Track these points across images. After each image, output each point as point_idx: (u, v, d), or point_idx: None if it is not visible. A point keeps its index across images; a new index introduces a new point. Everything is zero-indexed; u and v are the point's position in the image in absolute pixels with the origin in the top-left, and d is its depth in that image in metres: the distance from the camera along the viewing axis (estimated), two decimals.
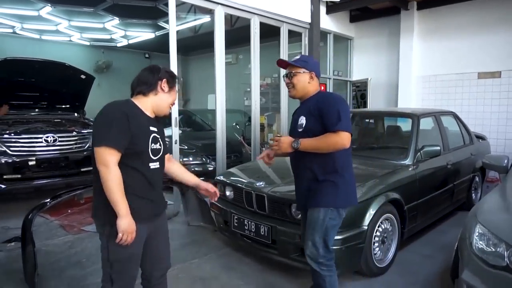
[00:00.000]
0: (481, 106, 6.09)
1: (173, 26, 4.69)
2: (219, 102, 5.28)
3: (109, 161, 1.67)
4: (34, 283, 2.77)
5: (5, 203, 5.01)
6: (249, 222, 3.07)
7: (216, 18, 5.22)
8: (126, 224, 1.70)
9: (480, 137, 5.25)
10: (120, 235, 1.70)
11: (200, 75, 11.69)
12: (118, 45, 10.48)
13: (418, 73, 6.80)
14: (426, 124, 4.22)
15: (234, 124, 8.47)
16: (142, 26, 8.71)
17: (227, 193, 3.48)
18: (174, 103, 2.00)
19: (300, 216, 2.79)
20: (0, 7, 7.14)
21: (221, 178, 3.62)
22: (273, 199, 2.97)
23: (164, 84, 1.89)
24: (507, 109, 5.90)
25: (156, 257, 2.01)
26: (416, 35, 6.78)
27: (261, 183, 3.16)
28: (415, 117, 3.89)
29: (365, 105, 7.52)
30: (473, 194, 4.75)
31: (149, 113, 1.91)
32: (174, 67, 4.63)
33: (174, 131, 4.73)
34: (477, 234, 2.20)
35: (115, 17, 7.72)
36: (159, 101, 1.91)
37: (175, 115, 4.70)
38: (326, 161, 2.22)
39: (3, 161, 4.49)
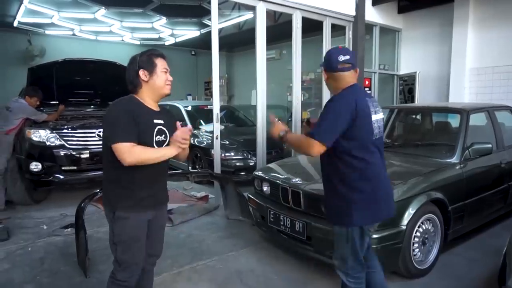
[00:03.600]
0: None
1: (215, 24, 4.80)
2: (260, 97, 5.33)
3: (128, 148, 1.80)
4: (85, 267, 3.02)
5: (64, 192, 5.47)
6: (285, 218, 3.10)
7: (257, 15, 5.26)
8: (173, 151, 1.91)
9: None
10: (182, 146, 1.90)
11: (244, 71, 11.82)
12: (166, 43, 10.91)
13: (472, 65, 6.35)
14: (478, 120, 3.96)
15: (276, 119, 8.46)
16: (188, 24, 8.99)
17: (265, 188, 3.52)
18: (168, 80, 2.00)
19: None
20: (62, 11, 7.73)
21: (259, 173, 3.68)
22: (308, 195, 2.96)
23: (143, 74, 1.93)
24: None
25: (149, 244, 2.11)
26: (471, 24, 6.32)
27: (297, 179, 3.16)
28: (464, 112, 3.67)
29: (413, 100, 7.18)
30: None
31: (151, 105, 1.99)
32: (216, 63, 4.75)
33: (215, 127, 4.85)
34: None
35: (162, 17, 8.05)
36: (149, 90, 1.96)
37: (216, 111, 4.82)
38: (343, 171, 2.00)
39: (62, 154, 4.88)
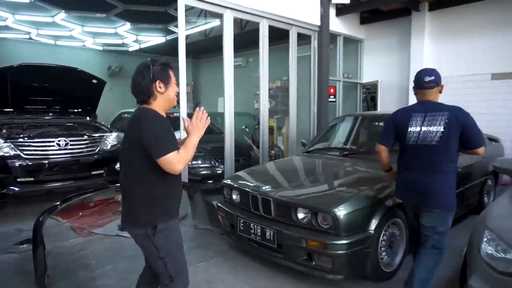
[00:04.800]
0: (495, 108, 5.96)
1: (182, 30, 4.74)
2: (227, 105, 5.31)
3: (176, 156, 1.76)
4: (44, 285, 2.83)
5: (19, 205, 5.13)
6: (255, 226, 3.07)
7: (225, 22, 5.26)
8: (201, 132, 1.90)
9: (493, 140, 5.13)
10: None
11: (210, 78, 11.77)
12: (130, 49, 10.67)
13: None
14: None
15: (243, 127, 8.48)
16: (153, 30, 8.84)
17: (234, 196, 3.49)
18: (178, 91, 2.00)
19: (306, 220, 2.80)
20: (17, 14, 7.34)
21: (228, 181, 3.64)
22: (279, 203, 2.96)
23: (159, 86, 1.87)
24: None
25: None
26: (427, 36, 6.69)
27: (267, 187, 3.16)
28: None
29: (375, 108, 7.45)
30: (485, 198, 4.65)
31: (163, 114, 1.94)
32: (183, 70, 4.69)
33: (182, 135, 4.76)
34: (485, 239, 2.16)
35: (126, 22, 7.86)
36: (163, 102, 1.91)
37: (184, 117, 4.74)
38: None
39: (17, 165, 4.60)
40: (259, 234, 3.05)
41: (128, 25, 8.10)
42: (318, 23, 6.53)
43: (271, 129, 8.21)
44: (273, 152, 7.82)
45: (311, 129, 6.88)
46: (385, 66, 7.45)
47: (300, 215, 2.83)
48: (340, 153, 4.21)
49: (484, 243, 2.15)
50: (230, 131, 5.34)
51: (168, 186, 1.90)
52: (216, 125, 8.20)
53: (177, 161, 1.76)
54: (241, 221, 3.23)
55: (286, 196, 2.99)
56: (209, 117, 1.94)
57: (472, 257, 2.24)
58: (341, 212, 2.64)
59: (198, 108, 1.92)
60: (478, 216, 2.53)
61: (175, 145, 1.79)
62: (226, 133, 5.34)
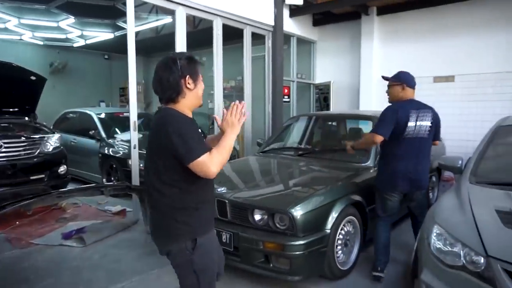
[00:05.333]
0: (437, 109, 6.28)
1: (131, 26, 4.50)
2: None
3: (209, 158, 1.59)
4: None
5: None
6: None
7: (177, 19, 5.08)
8: (237, 129, 1.72)
9: None
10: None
11: None
12: (75, 45, 10.00)
13: (378, 76, 6.94)
14: None
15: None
16: (100, 25, 8.35)
17: None
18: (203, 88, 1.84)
19: (263, 221, 2.74)
20: None
21: None
22: (234, 204, 2.88)
23: (188, 82, 1.70)
24: (461, 112, 6.17)
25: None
26: (376, 39, 6.95)
27: (222, 189, 3.06)
28: (374, 119, 3.94)
29: (328, 108, 7.62)
30: (430, 193, 4.91)
31: (189, 115, 1.77)
32: (132, 69, 4.46)
33: (133, 136, 4.53)
34: (434, 234, 2.23)
35: (70, 16, 7.34)
36: (191, 100, 1.74)
37: (133, 118, 4.50)
38: None
39: None
40: None
41: (71, 19, 7.56)
42: (272, 23, 6.54)
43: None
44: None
45: (266, 129, 6.88)
46: (337, 67, 7.64)
47: (257, 217, 2.77)
48: (295, 153, 4.22)
49: (433, 237, 2.22)
50: None
51: (202, 192, 1.73)
52: None
53: (210, 163, 1.57)
54: None
55: (242, 197, 2.92)
56: (246, 113, 1.77)
57: (422, 251, 2.30)
58: (298, 212, 2.61)
59: (233, 102, 1.76)
60: (427, 211, 2.62)
61: (206, 147, 1.62)
62: None
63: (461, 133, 6.15)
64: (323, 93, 7.79)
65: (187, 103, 1.73)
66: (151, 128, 1.76)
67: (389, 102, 3.11)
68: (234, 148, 7.98)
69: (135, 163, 4.60)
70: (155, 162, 1.68)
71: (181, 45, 5.08)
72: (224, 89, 9.44)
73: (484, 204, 2.34)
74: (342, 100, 7.51)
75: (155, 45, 9.79)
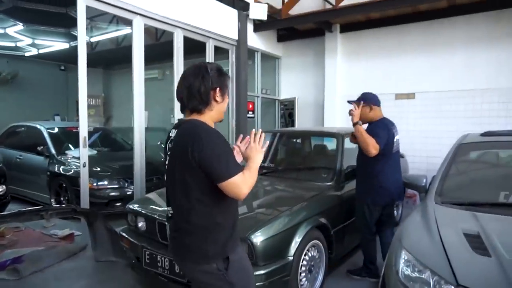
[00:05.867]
0: (399, 125, 6.35)
1: (82, 35, 4.20)
2: (137, 119, 4.83)
3: (242, 177, 1.53)
4: None
5: None
6: (163, 259, 2.67)
7: (134, 30, 4.82)
8: (260, 155, 1.69)
9: (400, 156, 5.44)
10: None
11: (124, 91, 10.95)
12: (26, 54, 9.39)
13: (342, 93, 7.00)
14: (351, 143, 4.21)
15: (158, 143, 7.95)
16: (54, 34, 7.88)
17: (139, 224, 3.04)
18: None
19: None
20: None
21: (133, 206, 3.17)
22: None
23: (218, 94, 1.63)
24: (421, 128, 6.27)
25: None
26: (339, 56, 7.00)
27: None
28: (339, 136, 3.85)
29: (293, 124, 7.54)
30: (395, 210, 4.85)
31: None
32: (83, 80, 4.13)
33: (82, 152, 4.17)
34: (403, 261, 2.09)
35: (17, 22, 6.83)
36: (216, 113, 1.68)
37: (83, 134, 4.15)
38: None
39: None
40: (167, 268, 2.65)
41: (20, 26, 7.05)
42: (236, 37, 6.42)
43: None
44: None
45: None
46: (302, 83, 7.61)
47: None
48: (258, 172, 4.00)
49: (401, 264, 2.08)
50: (140, 148, 4.85)
51: (231, 209, 1.67)
52: (128, 141, 7.54)
53: (243, 184, 1.51)
54: (147, 252, 2.80)
55: None
56: (266, 142, 1.79)
57: (390, 278, 2.15)
58: (258, 238, 2.39)
59: (253, 130, 1.76)
60: (395, 234, 2.49)
61: (239, 166, 1.56)
62: (136, 150, 4.83)
63: (421, 150, 6.24)
64: (288, 109, 7.72)
65: (213, 116, 1.67)
66: (175, 141, 1.62)
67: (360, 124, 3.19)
68: None
69: (84, 182, 4.23)
70: (183, 179, 1.56)
71: (138, 56, 4.81)
72: None
73: (452, 227, 2.24)
74: (307, 116, 7.47)
75: (117, 57, 9.42)
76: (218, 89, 1.63)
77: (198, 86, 1.59)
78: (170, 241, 1.71)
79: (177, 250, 1.66)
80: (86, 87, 4.15)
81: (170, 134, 1.69)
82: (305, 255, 2.74)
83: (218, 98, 1.64)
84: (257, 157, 1.66)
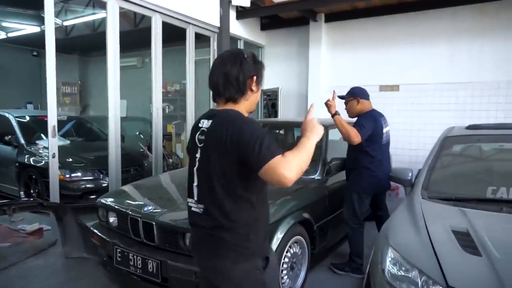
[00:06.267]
0: None
1: (50, 16, 3.90)
2: (112, 107, 4.57)
3: (283, 159, 1.33)
4: None
5: None
6: (135, 256, 2.49)
7: (108, 13, 4.52)
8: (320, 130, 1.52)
9: None
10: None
11: (102, 79, 10.50)
12: None
13: (326, 83, 6.87)
14: (335, 135, 4.10)
15: (137, 133, 7.69)
16: (23, 17, 7.42)
17: (111, 219, 2.84)
18: None
19: None
20: None
21: (103, 201, 2.96)
22: (163, 227, 2.44)
23: (253, 84, 1.55)
24: (405, 121, 6.22)
25: None
26: (324, 46, 6.85)
27: (150, 207, 2.60)
28: (323, 127, 3.71)
29: (276, 115, 7.39)
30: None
31: None
32: (51, 65, 3.86)
33: (51, 143, 3.91)
34: (389, 259, 1.99)
35: None
36: (249, 105, 1.60)
37: (52, 122, 3.88)
38: None
39: None
40: (139, 267, 2.47)
41: None
42: (218, 24, 6.17)
43: (169, 136, 7.59)
44: (171, 160, 7.22)
45: None
46: (285, 73, 7.44)
47: (188, 241, 2.35)
48: None
49: (388, 262, 1.98)
50: (115, 138, 4.60)
51: (265, 205, 1.60)
52: (106, 131, 7.24)
53: (283, 167, 1.30)
54: (118, 250, 2.61)
55: (172, 218, 2.48)
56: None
57: (376, 277, 2.05)
58: None
59: (312, 103, 1.64)
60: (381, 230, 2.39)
61: (278, 149, 1.38)
62: (111, 141, 4.58)
63: (404, 142, 6.20)
64: (271, 100, 7.55)
65: (246, 106, 1.58)
66: (210, 132, 1.49)
67: (350, 117, 3.31)
68: (177, 156, 7.48)
69: (54, 174, 3.98)
70: (223, 172, 1.44)
71: (113, 41, 4.53)
72: (168, 93, 8.99)
73: (439, 223, 2.14)
74: (290, 107, 7.33)
75: (94, 43, 9.00)
76: (255, 77, 1.55)
77: (236, 74, 1.50)
78: (202, 238, 1.55)
79: (212, 249, 1.50)
80: (55, 72, 3.87)
81: (200, 125, 1.55)
82: (286, 252, 2.61)
83: (254, 88, 1.56)
84: (314, 134, 1.48)
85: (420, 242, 1.99)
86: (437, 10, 5.88)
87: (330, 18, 6.77)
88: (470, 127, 3.35)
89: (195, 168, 1.55)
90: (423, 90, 6.08)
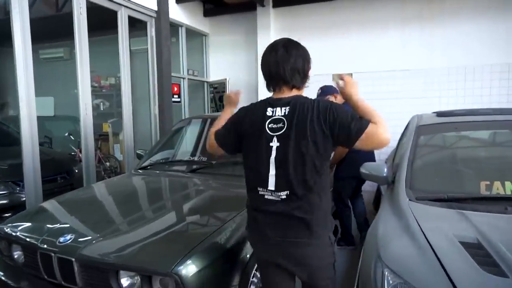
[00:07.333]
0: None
1: None
2: (24, 106, 3.71)
3: (372, 125, 1.47)
4: None
5: None
6: None
7: None
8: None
9: None
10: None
11: None
12: None
13: None
14: None
15: (66, 134, 6.71)
16: None
17: (15, 254, 2.12)
18: None
19: None
20: None
21: (6, 228, 2.22)
22: (87, 264, 1.79)
23: (310, 72, 1.65)
24: None
25: None
26: (273, 33, 6.40)
27: (68, 237, 1.93)
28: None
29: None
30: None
31: None
32: None
33: None
34: (386, 281, 1.56)
35: None
36: (303, 92, 1.68)
37: None
38: None
39: None
40: None
41: None
42: (155, 7, 5.45)
43: (105, 136, 6.70)
44: (108, 164, 6.38)
45: (153, 134, 5.75)
46: (233, 63, 6.88)
47: (124, 282, 1.74)
48: (188, 168, 3.17)
49: (386, 286, 1.55)
50: (31, 143, 3.75)
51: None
52: None
53: (379, 127, 1.45)
54: None
55: (99, 252, 1.83)
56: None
57: None
58: (189, 270, 1.66)
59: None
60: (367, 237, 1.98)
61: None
62: (25, 146, 3.72)
63: None
64: (218, 92, 6.98)
65: (302, 93, 1.65)
66: (291, 118, 1.52)
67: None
68: (116, 158, 6.63)
69: None
70: (312, 160, 1.49)
71: (21, 27, 3.68)
72: (102, 87, 8.02)
73: (441, 233, 1.74)
74: (240, 99, 6.79)
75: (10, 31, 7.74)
76: (310, 66, 1.63)
77: (302, 62, 1.58)
78: (279, 219, 1.54)
79: (289, 230, 1.53)
80: None
81: (270, 114, 1.57)
82: (253, 277, 2.09)
83: (309, 75, 1.65)
84: (354, 93, 1.58)
85: (424, 261, 1.57)
86: None
87: (278, 3, 6.34)
88: (440, 114, 3.09)
89: (272, 158, 1.52)
90: (376, 78, 5.90)
